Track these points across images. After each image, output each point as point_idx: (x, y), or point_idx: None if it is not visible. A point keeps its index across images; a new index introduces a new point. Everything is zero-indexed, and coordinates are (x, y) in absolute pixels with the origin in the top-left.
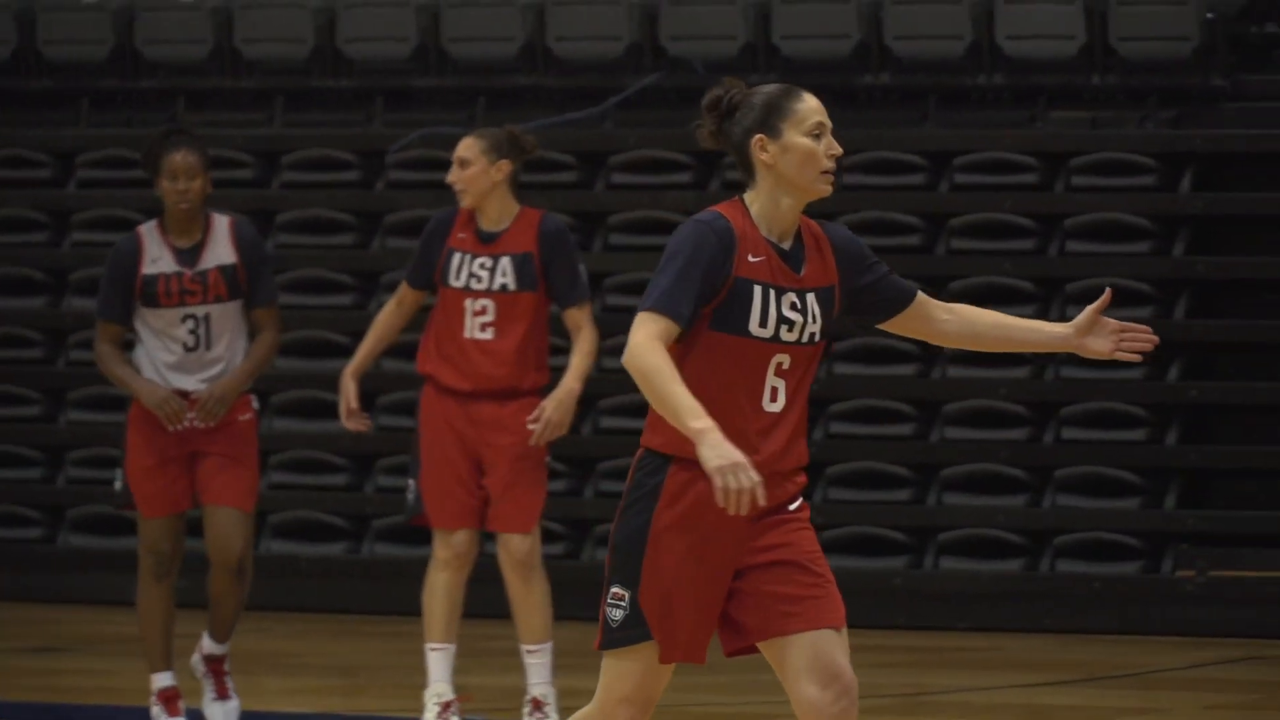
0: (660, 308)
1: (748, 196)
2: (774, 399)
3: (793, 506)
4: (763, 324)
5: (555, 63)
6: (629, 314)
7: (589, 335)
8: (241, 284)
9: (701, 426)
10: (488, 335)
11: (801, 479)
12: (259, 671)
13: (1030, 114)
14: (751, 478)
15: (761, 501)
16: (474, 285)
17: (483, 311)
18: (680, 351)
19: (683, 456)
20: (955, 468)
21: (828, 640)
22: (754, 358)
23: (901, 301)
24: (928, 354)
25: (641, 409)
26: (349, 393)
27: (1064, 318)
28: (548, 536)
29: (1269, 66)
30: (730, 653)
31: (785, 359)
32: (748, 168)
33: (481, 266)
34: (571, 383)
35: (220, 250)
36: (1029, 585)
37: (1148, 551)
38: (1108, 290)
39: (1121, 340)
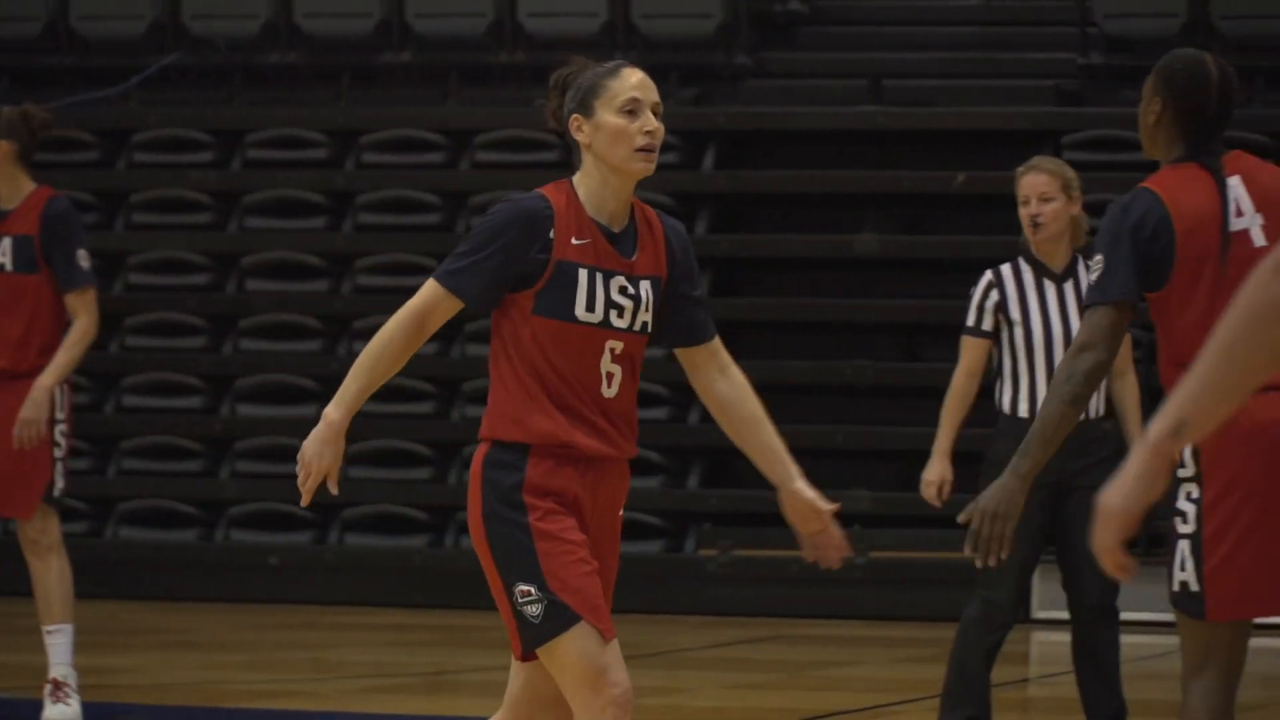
0: (445, 280)
1: (575, 178)
2: (610, 385)
3: (620, 512)
4: (589, 308)
5: (80, 43)
6: (149, 292)
7: (83, 324)
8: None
9: (328, 414)
10: None
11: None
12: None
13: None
14: (318, 473)
15: (334, 490)
16: None
17: None
18: (513, 339)
19: (540, 445)
20: (473, 446)
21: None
22: (585, 344)
23: (691, 336)
24: (450, 332)
25: (163, 387)
26: None
27: None
28: (71, 515)
29: (792, 44)
30: (520, 658)
31: (618, 345)
32: (575, 148)
33: None
34: (45, 379)
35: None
36: None
37: (671, 531)
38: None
39: (815, 546)
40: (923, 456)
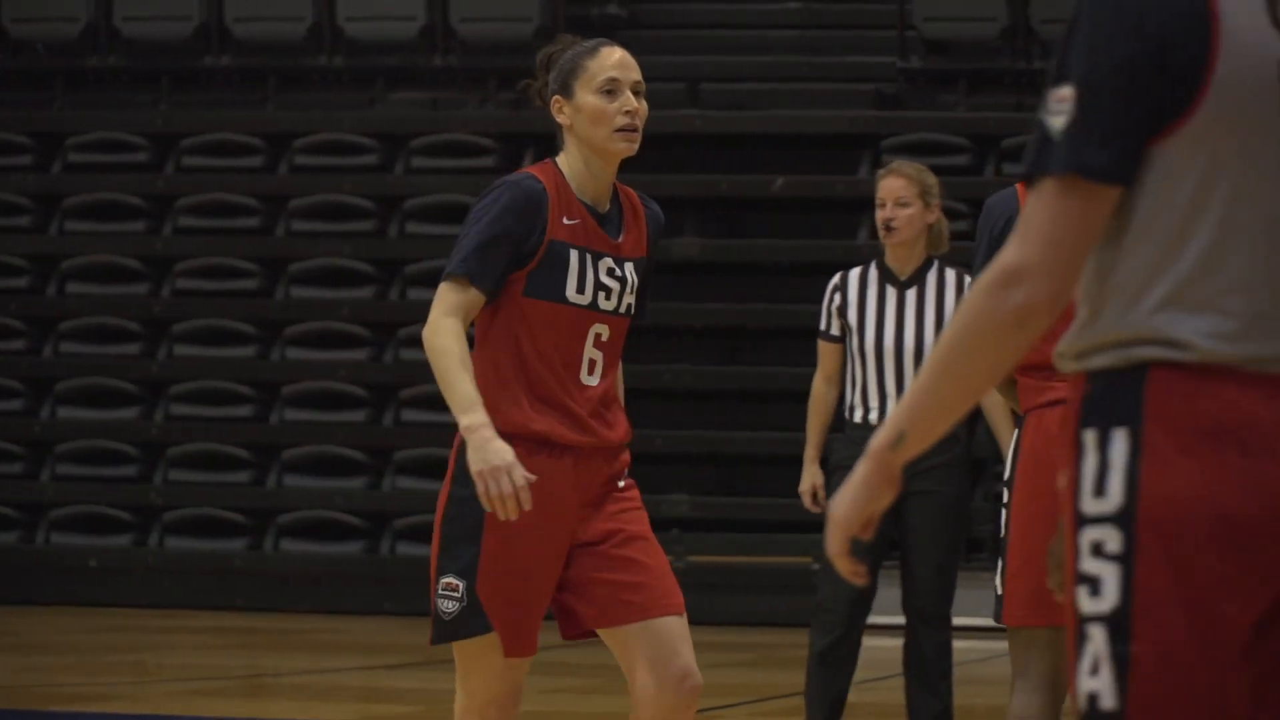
0: (463, 272)
1: (560, 159)
2: (592, 372)
3: (621, 484)
4: (580, 290)
5: None
6: None
7: None
8: None
9: (470, 423)
10: None
11: (626, 456)
12: None
13: (370, 96)
14: (516, 480)
15: (527, 506)
16: None
17: None
18: (494, 322)
19: (511, 434)
20: (295, 449)
21: (667, 628)
22: (572, 327)
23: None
24: (267, 335)
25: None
26: None
27: (403, 299)
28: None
29: None
30: (568, 637)
31: (604, 330)
32: (558, 130)
33: None
34: None
35: None
36: (369, 568)
37: None
38: None
39: None
40: (741, 460)
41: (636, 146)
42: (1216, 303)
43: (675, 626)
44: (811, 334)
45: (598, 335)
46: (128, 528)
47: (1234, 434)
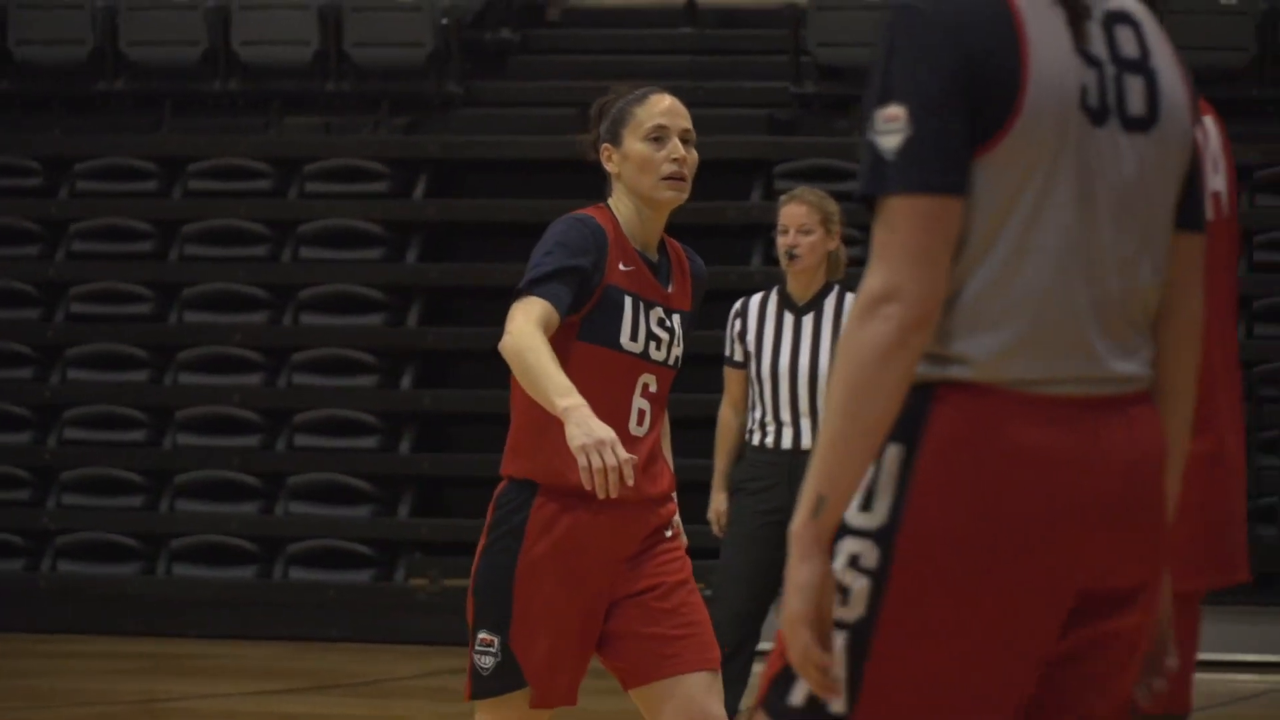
0: (540, 293)
1: (611, 203)
2: (641, 422)
3: (668, 534)
4: (633, 337)
5: None
6: None
7: None
8: None
9: (569, 404)
10: None
11: (672, 506)
12: None
13: (265, 120)
14: (620, 455)
15: (630, 480)
16: None
17: None
18: None
19: (549, 485)
20: (188, 474)
21: (699, 684)
22: (622, 375)
23: None
24: (160, 360)
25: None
26: None
27: (296, 323)
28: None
29: (503, 73)
30: (628, 688)
31: (652, 380)
32: (607, 178)
33: None
34: None
35: None
36: (262, 593)
37: (380, 560)
38: None
39: None
40: None
41: (685, 195)
42: (1001, 321)
43: (709, 682)
44: (709, 360)
45: (645, 385)
46: (19, 552)
47: (1010, 457)
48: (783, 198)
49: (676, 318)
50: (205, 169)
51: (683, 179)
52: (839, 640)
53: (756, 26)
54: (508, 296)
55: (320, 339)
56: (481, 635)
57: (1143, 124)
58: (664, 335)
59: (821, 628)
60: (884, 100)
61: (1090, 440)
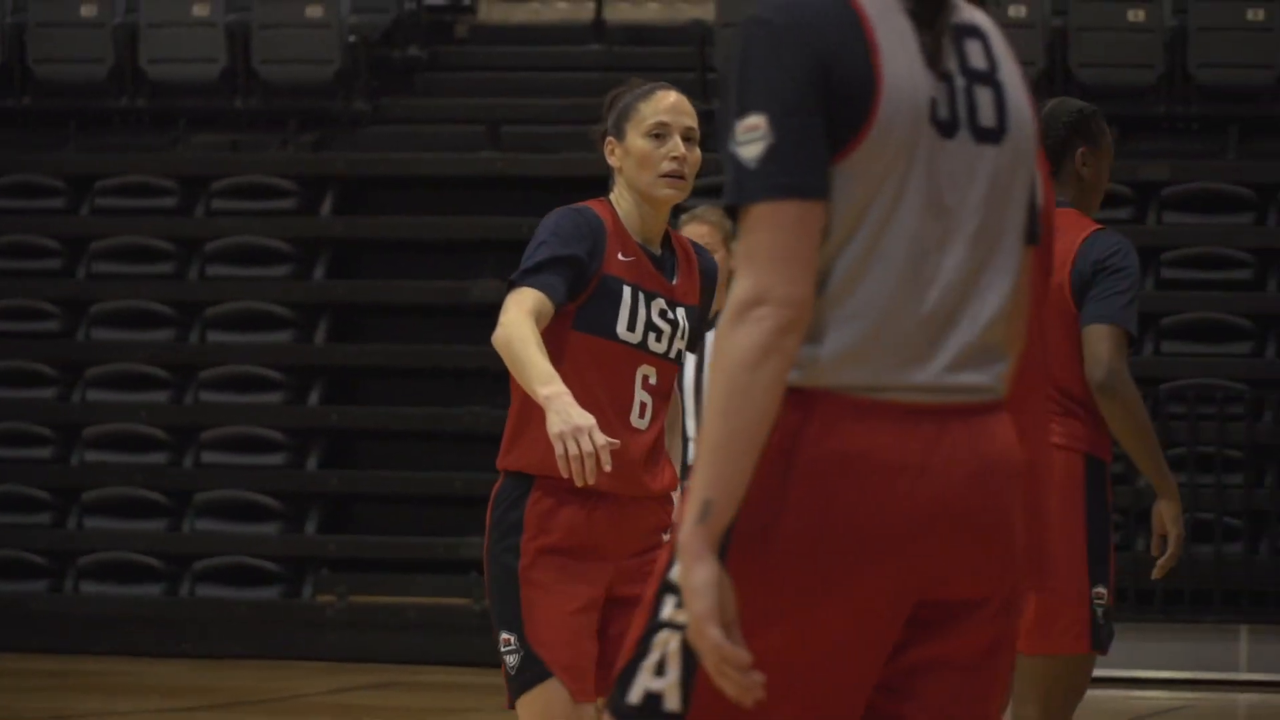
0: (533, 283)
1: (612, 197)
2: (642, 415)
3: (666, 536)
4: (630, 327)
5: None
6: None
7: None
8: None
9: (550, 392)
10: None
11: (673, 507)
12: None
13: (172, 137)
14: (597, 440)
15: (606, 466)
16: None
17: None
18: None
19: (544, 477)
20: (95, 491)
21: None
22: (620, 366)
23: None
24: (67, 377)
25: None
26: None
27: (203, 341)
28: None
29: (411, 90)
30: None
31: (652, 372)
32: (610, 172)
33: None
34: None
35: None
36: (169, 610)
37: (288, 576)
38: None
39: None
40: None
41: (685, 194)
42: (842, 327)
43: None
44: None
45: (645, 378)
46: None
47: (841, 462)
48: (684, 217)
49: (681, 311)
50: (112, 186)
51: (682, 177)
52: (673, 641)
53: (664, 44)
54: (415, 313)
55: (227, 356)
56: (503, 636)
57: (994, 135)
58: (665, 327)
59: (728, 626)
60: (743, 111)
61: (930, 448)
